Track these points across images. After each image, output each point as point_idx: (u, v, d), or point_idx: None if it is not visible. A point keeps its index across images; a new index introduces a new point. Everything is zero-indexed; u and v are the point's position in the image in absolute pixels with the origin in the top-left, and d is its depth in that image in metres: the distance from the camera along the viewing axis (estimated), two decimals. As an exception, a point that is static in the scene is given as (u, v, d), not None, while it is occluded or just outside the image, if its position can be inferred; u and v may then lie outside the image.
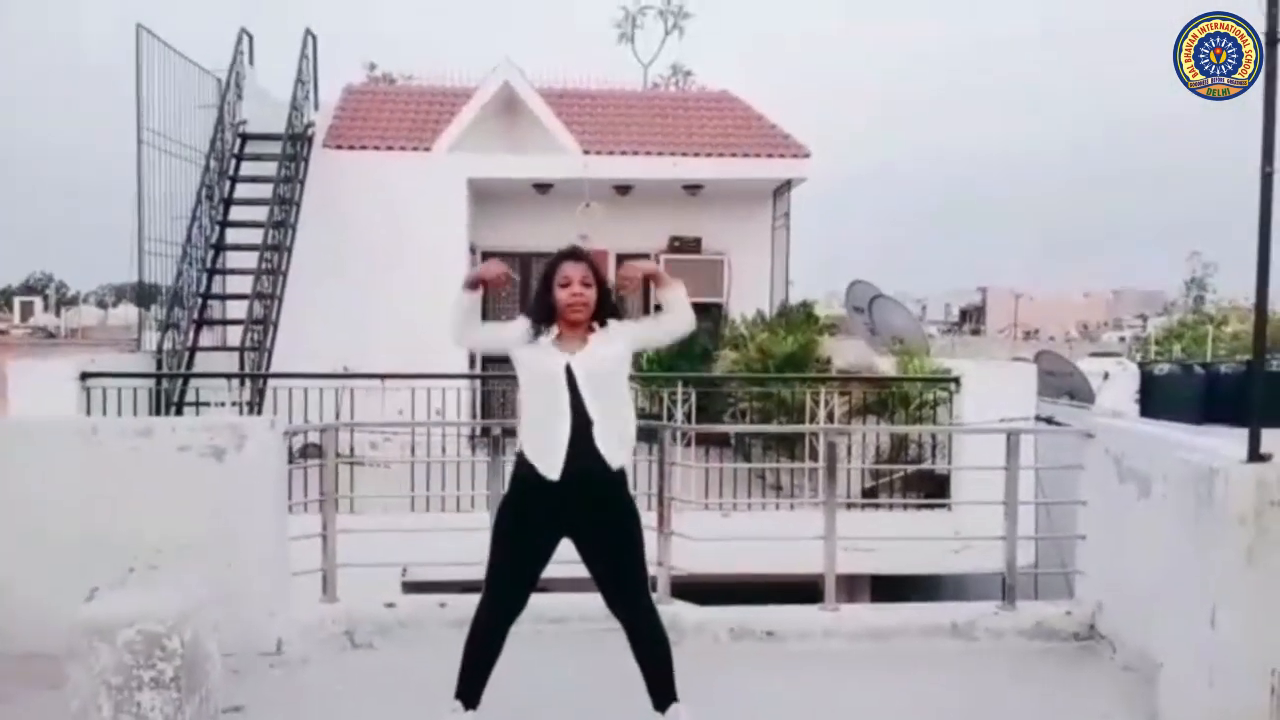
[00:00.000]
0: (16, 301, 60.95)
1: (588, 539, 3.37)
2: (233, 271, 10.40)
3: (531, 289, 3.58)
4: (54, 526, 4.10)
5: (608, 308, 3.39)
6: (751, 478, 8.31)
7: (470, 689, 3.42)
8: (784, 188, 12.37)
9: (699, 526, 4.86)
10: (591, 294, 3.33)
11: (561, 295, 3.32)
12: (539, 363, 3.32)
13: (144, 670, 3.13)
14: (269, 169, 10.34)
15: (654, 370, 9.94)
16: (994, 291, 74.34)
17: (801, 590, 6.71)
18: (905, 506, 7.27)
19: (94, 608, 3.28)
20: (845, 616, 4.51)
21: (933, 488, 8.24)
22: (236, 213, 10.52)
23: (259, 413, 8.30)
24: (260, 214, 10.04)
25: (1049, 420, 7.05)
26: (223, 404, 8.22)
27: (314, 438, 5.75)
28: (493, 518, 3.50)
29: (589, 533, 3.36)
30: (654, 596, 3.66)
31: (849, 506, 6.61)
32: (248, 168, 10.79)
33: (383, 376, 7.73)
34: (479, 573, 3.48)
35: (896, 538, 5.68)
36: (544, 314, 3.36)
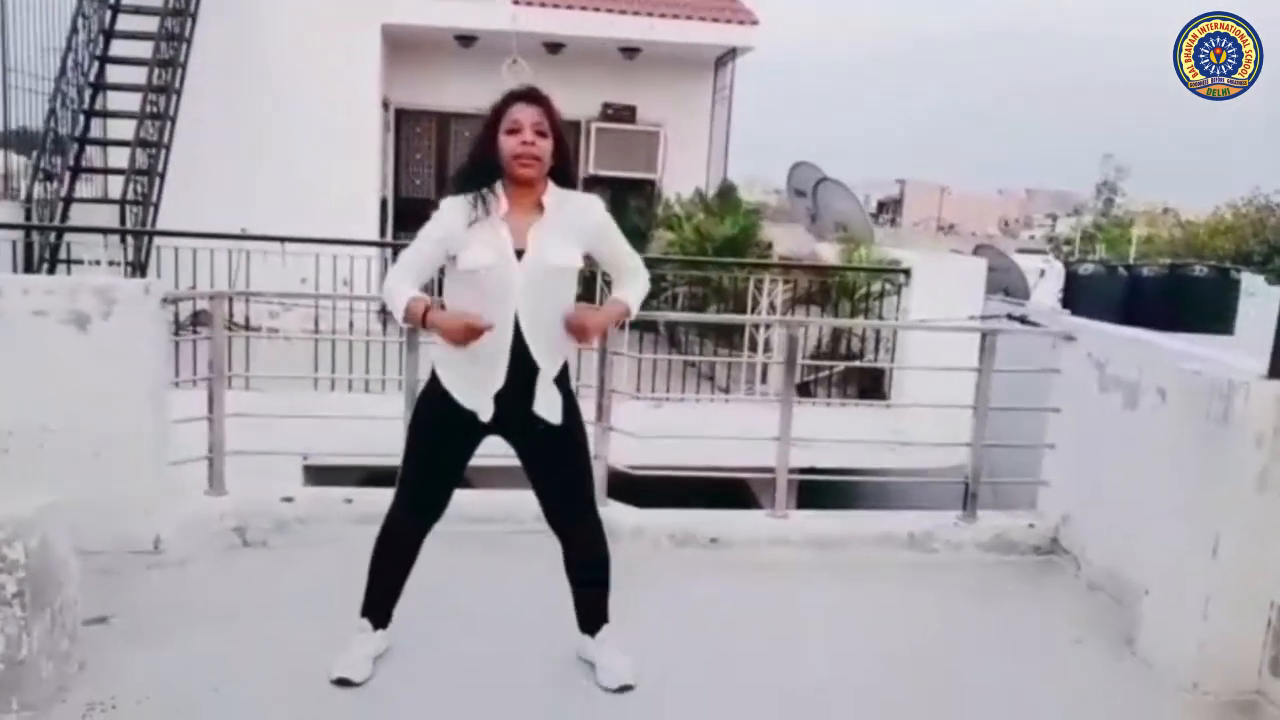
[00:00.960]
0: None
1: (523, 445, 2.86)
2: (114, 114, 9.24)
3: (451, 154, 2.94)
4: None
5: (563, 173, 2.79)
6: (685, 369, 7.87)
7: (380, 606, 2.96)
8: (728, 56, 11.60)
9: (630, 419, 4.41)
10: (546, 145, 2.69)
11: (509, 143, 2.67)
12: (486, 246, 2.66)
13: (-21, 585, 2.58)
14: (154, -1, 9.14)
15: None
16: (913, 185, 74.43)
17: (727, 490, 6.37)
18: (844, 403, 6.97)
19: (-85, 507, 2.68)
20: (795, 523, 4.17)
21: (868, 383, 7.96)
22: (118, 48, 9.30)
23: (143, 275, 7.46)
24: (145, 50, 8.89)
25: (1023, 319, 6.77)
26: (98, 262, 7.35)
27: (203, 305, 5.06)
28: (407, 402, 3.00)
29: (525, 439, 2.84)
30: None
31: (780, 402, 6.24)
32: (130, -5, 9.52)
33: (283, 240, 6.94)
34: (390, 462, 2.98)
35: (845, 439, 5.32)
36: (485, 169, 2.72)
